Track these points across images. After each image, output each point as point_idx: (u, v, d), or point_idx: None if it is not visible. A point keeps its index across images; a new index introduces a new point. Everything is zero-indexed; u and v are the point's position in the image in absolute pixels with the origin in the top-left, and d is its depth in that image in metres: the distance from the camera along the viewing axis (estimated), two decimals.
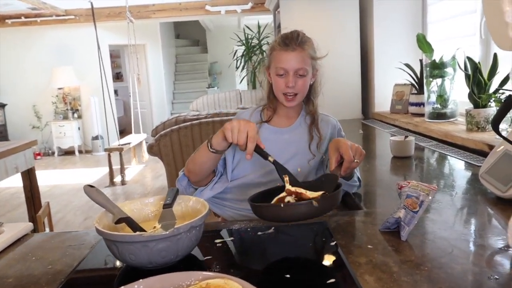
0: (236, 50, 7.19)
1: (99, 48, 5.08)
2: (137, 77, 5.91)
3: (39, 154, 6.57)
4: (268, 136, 1.21)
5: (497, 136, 1.08)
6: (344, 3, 2.75)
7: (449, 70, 1.97)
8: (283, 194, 0.91)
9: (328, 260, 0.78)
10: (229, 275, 0.61)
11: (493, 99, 1.66)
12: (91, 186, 0.85)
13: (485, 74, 1.66)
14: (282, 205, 0.85)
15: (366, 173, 1.44)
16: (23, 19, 6.10)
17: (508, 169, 1.02)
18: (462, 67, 1.76)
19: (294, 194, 0.89)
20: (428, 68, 2.03)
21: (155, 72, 7.56)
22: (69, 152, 6.79)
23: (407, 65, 2.38)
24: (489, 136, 1.57)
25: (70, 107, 6.69)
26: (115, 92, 7.79)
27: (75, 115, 6.75)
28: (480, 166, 1.15)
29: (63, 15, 6.01)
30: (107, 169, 4.87)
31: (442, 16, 2.45)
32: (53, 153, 6.76)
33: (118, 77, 9.02)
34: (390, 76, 2.66)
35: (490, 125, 1.60)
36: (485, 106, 1.67)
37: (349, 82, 2.81)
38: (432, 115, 2.06)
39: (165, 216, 0.81)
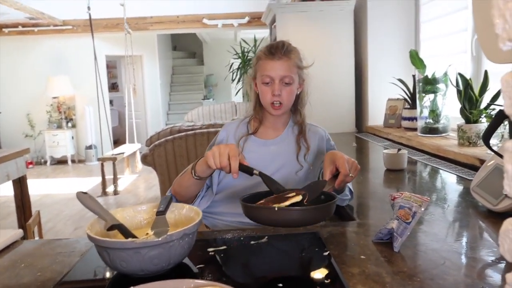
0: (232, 63, 7.25)
1: (95, 58, 5.10)
2: (132, 87, 5.92)
3: (31, 163, 6.51)
4: (254, 149, 1.21)
5: (488, 151, 1.10)
6: (339, 19, 2.80)
7: (441, 86, 2.00)
8: (272, 196, 0.93)
9: (321, 270, 0.78)
10: (221, 283, 0.61)
11: (484, 114, 1.68)
12: (84, 193, 0.85)
13: (476, 90, 1.70)
14: (276, 208, 0.84)
15: (359, 185, 1.44)
16: (20, 28, 6.11)
17: (498, 182, 1.03)
18: (454, 83, 1.79)
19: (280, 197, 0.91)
20: (420, 84, 2.06)
21: (151, 83, 7.59)
22: (61, 162, 6.73)
23: (400, 80, 2.42)
24: (480, 151, 1.59)
25: (64, 116, 6.66)
26: (110, 102, 7.78)
27: (69, 124, 6.72)
28: (472, 180, 1.16)
29: (61, 25, 6.04)
30: (99, 179, 4.84)
31: (434, 33, 2.51)
32: (45, 162, 6.70)
33: (113, 87, 9.04)
34: (384, 91, 2.70)
35: (481, 140, 1.62)
36: (476, 121, 1.69)
37: (343, 96, 2.85)
38: (424, 130, 2.09)
39: (158, 223, 0.80)
